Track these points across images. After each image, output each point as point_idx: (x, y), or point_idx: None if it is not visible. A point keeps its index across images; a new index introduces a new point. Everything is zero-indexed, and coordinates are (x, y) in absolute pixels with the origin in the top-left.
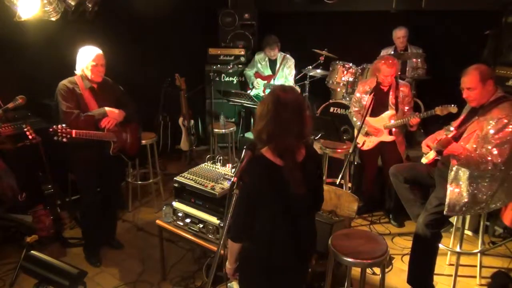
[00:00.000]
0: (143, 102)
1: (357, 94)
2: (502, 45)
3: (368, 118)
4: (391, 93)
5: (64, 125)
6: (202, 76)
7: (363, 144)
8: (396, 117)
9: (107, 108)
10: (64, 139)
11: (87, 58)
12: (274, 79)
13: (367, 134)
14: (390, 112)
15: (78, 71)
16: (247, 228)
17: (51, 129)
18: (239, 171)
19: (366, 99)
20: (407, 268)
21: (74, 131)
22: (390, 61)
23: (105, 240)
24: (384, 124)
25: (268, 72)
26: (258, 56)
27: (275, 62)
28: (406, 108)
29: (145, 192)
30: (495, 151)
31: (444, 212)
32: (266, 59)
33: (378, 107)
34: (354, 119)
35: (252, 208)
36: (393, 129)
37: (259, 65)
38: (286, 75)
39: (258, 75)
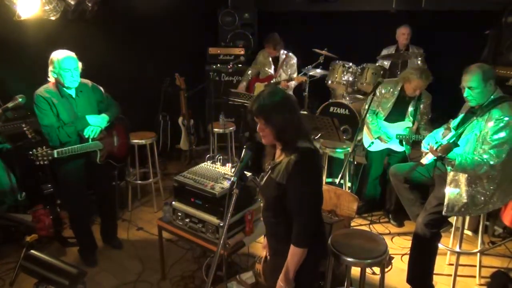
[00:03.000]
0: (143, 102)
1: (377, 94)
2: (502, 45)
3: (383, 122)
4: (412, 102)
5: (44, 147)
6: (202, 75)
7: (370, 145)
8: (411, 129)
9: (88, 116)
10: (46, 162)
11: (58, 64)
12: (275, 79)
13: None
14: (406, 123)
15: (51, 78)
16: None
17: (30, 154)
18: (239, 171)
19: (386, 100)
20: (407, 267)
21: (55, 151)
22: (424, 76)
23: (106, 241)
24: (397, 134)
25: (270, 69)
26: (262, 54)
27: (278, 59)
28: (424, 119)
29: (145, 191)
30: (493, 152)
31: (443, 213)
32: (269, 57)
33: (395, 113)
34: (370, 118)
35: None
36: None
37: (262, 63)
38: (290, 74)
39: (255, 79)
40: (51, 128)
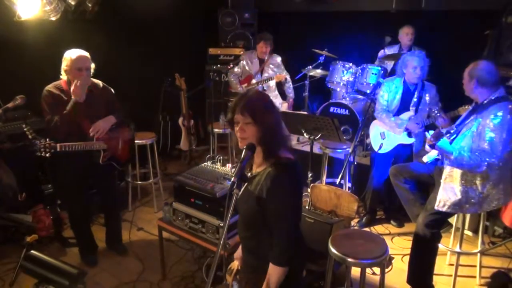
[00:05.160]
0: (143, 102)
1: (381, 92)
2: (502, 45)
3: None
4: (416, 93)
5: (48, 139)
6: (202, 76)
7: (380, 147)
8: (416, 118)
9: (95, 116)
10: (48, 154)
11: (70, 63)
12: (255, 79)
13: (383, 135)
14: (409, 113)
15: (63, 76)
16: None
17: (33, 145)
18: (239, 171)
19: (389, 96)
20: (407, 268)
21: (58, 145)
22: (417, 52)
23: (110, 246)
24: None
25: (252, 69)
26: (248, 55)
27: (263, 61)
28: (436, 109)
29: (145, 192)
30: (488, 150)
31: (435, 207)
32: (256, 58)
33: (402, 107)
34: (384, 114)
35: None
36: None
37: (246, 66)
38: (278, 68)
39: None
40: (55, 124)
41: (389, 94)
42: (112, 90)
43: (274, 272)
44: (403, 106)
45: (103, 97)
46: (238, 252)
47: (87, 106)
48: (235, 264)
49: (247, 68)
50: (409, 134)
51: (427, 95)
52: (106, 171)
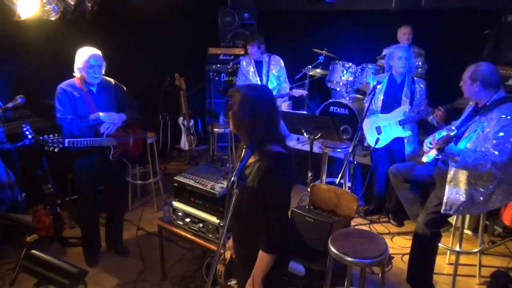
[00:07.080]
0: (143, 102)
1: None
2: (502, 45)
3: (381, 115)
4: (405, 86)
5: (56, 134)
6: (202, 75)
7: (376, 142)
8: (410, 111)
9: (101, 113)
10: (56, 149)
11: (83, 60)
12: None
13: (379, 130)
14: (404, 106)
15: (76, 73)
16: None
17: (41, 138)
18: (238, 170)
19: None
20: (407, 267)
21: (66, 140)
22: (401, 45)
23: (111, 246)
24: (399, 120)
25: (254, 77)
26: (245, 61)
27: (261, 64)
28: (422, 106)
29: (145, 191)
30: (495, 151)
31: (441, 211)
32: (252, 62)
33: (389, 100)
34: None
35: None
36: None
37: (246, 71)
38: (279, 77)
39: None
40: (65, 120)
41: (380, 88)
42: (124, 87)
43: (262, 258)
44: (390, 100)
45: (113, 95)
46: (230, 242)
47: (98, 103)
48: (228, 254)
49: (244, 70)
50: (404, 127)
51: (417, 89)
52: (117, 168)
